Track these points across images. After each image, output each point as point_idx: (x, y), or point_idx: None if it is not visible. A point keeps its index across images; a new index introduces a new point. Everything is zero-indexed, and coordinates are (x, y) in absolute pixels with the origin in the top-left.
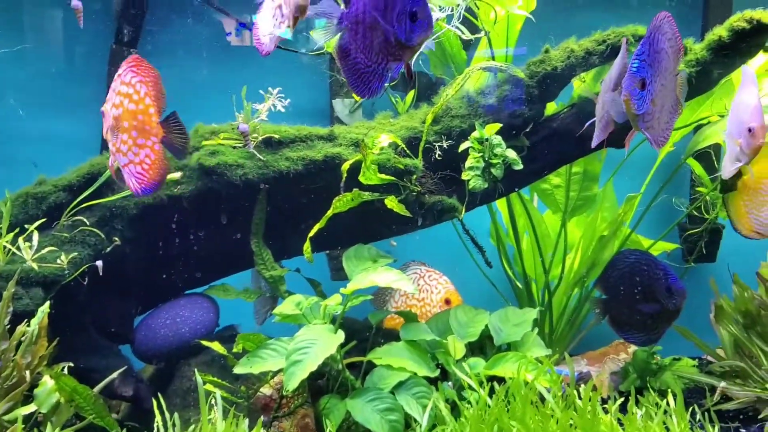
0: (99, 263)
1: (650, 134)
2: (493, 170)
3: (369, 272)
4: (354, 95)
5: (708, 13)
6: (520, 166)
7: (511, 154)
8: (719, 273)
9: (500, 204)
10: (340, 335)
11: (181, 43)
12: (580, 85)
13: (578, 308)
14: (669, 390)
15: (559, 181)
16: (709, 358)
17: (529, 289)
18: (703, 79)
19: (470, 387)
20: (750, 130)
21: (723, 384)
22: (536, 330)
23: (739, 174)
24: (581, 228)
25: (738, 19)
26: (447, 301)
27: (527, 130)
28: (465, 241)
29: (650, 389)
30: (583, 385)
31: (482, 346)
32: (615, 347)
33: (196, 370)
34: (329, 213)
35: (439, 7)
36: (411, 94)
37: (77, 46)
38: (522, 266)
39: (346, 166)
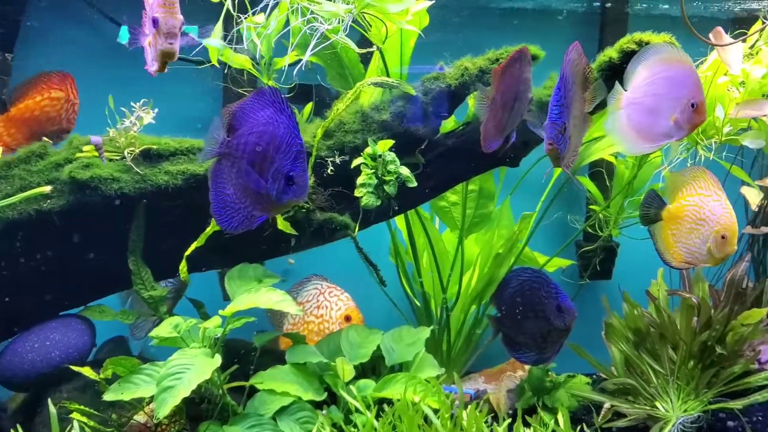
0: None
1: (565, 164)
2: (386, 187)
3: (251, 293)
4: None
5: (604, 33)
6: (414, 184)
7: (405, 171)
8: (615, 290)
9: (399, 221)
10: (217, 359)
11: (66, 48)
12: (475, 104)
13: (475, 325)
14: (563, 408)
15: (456, 198)
16: (603, 375)
17: (428, 306)
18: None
19: (357, 410)
20: (693, 106)
21: (607, 405)
22: (423, 349)
23: (662, 204)
24: (480, 246)
25: (628, 41)
26: (347, 318)
27: (422, 147)
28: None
29: (540, 408)
30: (479, 404)
31: (375, 367)
32: (512, 364)
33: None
34: (209, 230)
35: (325, 19)
36: (309, 107)
37: None
38: (421, 284)
39: None
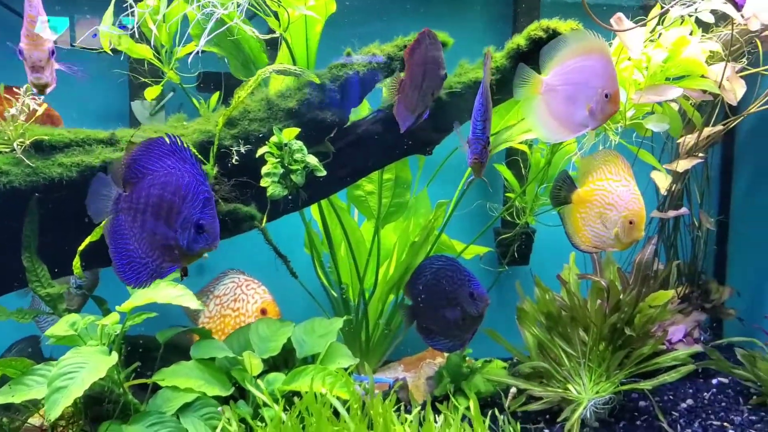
0: None
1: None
2: (293, 177)
3: (149, 288)
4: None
5: (517, 23)
6: (323, 173)
7: (313, 160)
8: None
9: (315, 212)
10: (114, 357)
11: None
12: (386, 91)
13: (394, 314)
14: (472, 394)
15: (372, 187)
16: (519, 359)
17: (346, 297)
18: (504, 87)
19: (266, 404)
20: (606, 96)
21: (513, 390)
22: (335, 340)
23: (572, 187)
24: (397, 234)
25: (535, 28)
26: (263, 312)
27: (331, 135)
28: (284, 250)
29: (452, 394)
30: (397, 392)
31: (287, 360)
32: (431, 352)
33: None
34: (103, 223)
35: (221, 3)
36: (215, 96)
37: None
38: (338, 275)
39: None
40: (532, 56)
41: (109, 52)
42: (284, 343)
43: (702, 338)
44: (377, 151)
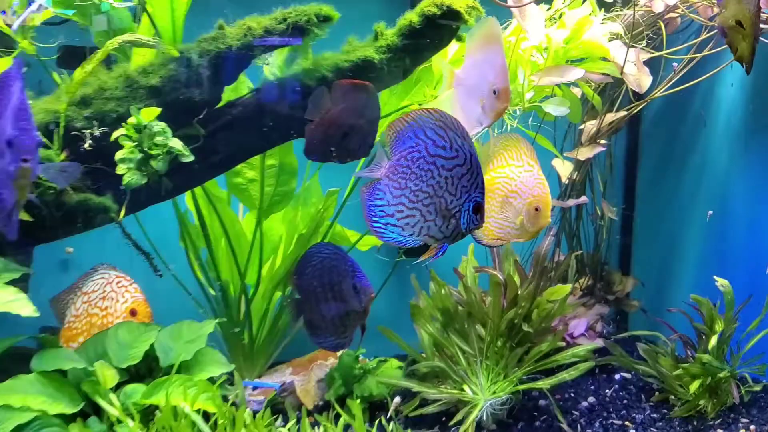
0: None
1: None
2: (153, 163)
3: None
4: None
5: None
6: (189, 158)
7: (177, 144)
8: (435, 268)
9: (189, 202)
10: None
11: None
12: (267, 69)
13: (281, 313)
14: (355, 404)
15: (253, 174)
16: (415, 358)
17: (226, 295)
18: (396, 66)
19: (119, 421)
20: (495, 92)
21: (397, 399)
22: (205, 345)
23: None
24: (285, 225)
25: (429, 4)
26: (133, 312)
27: (201, 116)
28: (159, 246)
29: (334, 402)
30: (287, 398)
31: (152, 370)
32: (324, 352)
33: None
34: None
35: None
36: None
37: None
38: (216, 271)
39: None
40: (425, 33)
41: None
42: (146, 349)
43: (605, 331)
44: (255, 135)
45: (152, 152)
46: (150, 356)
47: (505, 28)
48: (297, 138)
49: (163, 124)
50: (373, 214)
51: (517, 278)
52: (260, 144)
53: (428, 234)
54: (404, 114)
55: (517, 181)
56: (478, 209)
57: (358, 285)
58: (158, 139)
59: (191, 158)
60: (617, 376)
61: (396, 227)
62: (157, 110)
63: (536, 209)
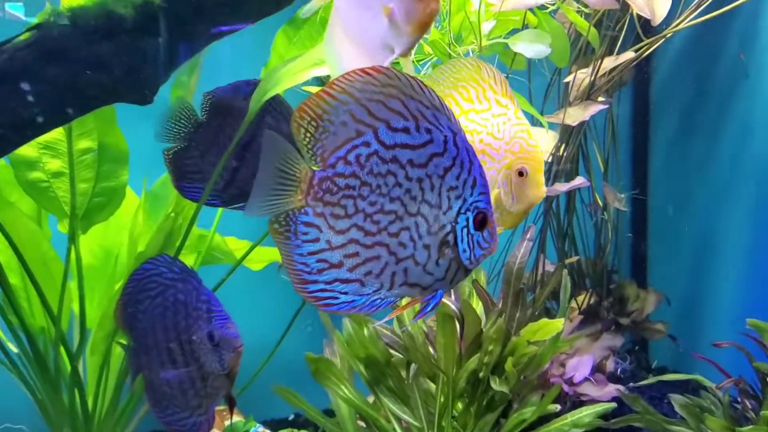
0: None
1: None
2: None
3: None
4: None
5: None
6: None
7: None
8: None
9: None
10: None
11: None
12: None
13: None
14: None
15: (59, 165)
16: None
17: (36, 350)
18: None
19: None
20: None
21: None
22: None
23: None
24: (117, 238)
25: None
26: None
27: None
28: None
29: None
30: None
31: None
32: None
33: None
34: None
35: None
36: None
37: None
38: (18, 316)
39: None
40: None
41: None
42: None
43: (620, 370)
44: (44, 97)
45: None
46: None
47: None
48: (104, 105)
49: None
50: (304, 270)
51: (479, 308)
52: (55, 113)
53: (406, 282)
54: (326, 85)
55: (483, 134)
56: (484, 221)
57: (217, 333)
58: None
59: None
60: None
61: (350, 283)
62: None
63: (521, 174)
